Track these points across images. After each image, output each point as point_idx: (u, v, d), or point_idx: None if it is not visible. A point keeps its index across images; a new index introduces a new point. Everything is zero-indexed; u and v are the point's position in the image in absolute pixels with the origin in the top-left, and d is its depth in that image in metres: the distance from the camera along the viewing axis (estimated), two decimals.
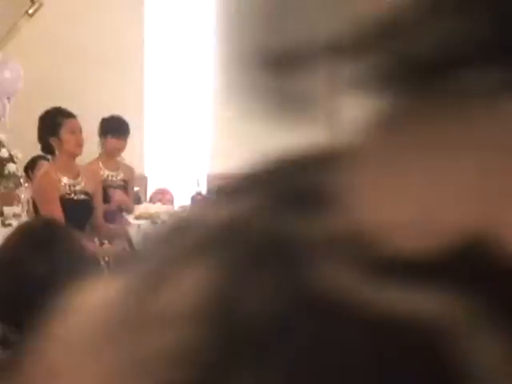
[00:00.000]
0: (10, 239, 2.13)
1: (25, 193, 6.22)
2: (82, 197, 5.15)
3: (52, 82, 8.07)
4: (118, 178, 6.14)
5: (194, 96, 8.77)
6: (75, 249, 2.11)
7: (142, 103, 8.61)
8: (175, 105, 8.70)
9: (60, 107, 5.23)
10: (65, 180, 5.10)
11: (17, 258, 2.05)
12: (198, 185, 7.31)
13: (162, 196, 7.33)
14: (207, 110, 8.74)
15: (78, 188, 5.14)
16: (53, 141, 5.11)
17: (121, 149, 6.18)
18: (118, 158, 6.20)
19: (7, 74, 7.57)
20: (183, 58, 8.74)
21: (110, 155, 6.14)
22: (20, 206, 6.14)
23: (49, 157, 6.94)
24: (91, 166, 6.04)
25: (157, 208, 6.49)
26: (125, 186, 6.18)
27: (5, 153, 7.06)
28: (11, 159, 6.80)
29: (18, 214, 5.98)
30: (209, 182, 8.18)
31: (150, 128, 8.57)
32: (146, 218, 6.09)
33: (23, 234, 2.15)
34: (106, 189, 5.95)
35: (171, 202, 7.78)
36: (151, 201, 6.59)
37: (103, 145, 6.16)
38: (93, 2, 8.39)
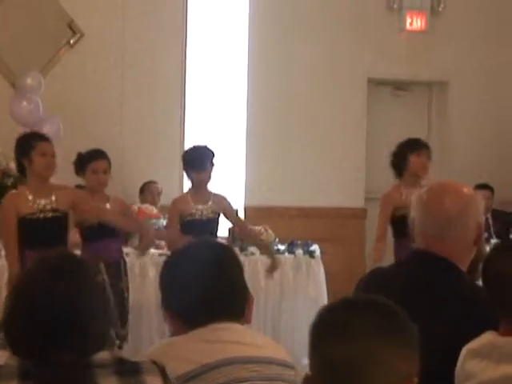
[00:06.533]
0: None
1: None
2: (50, 214, 5.17)
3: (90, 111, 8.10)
4: (210, 210, 5.94)
5: (232, 123, 8.76)
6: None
7: (182, 132, 8.60)
8: (213, 134, 8.68)
9: (36, 132, 5.31)
10: (36, 201, 5.14)
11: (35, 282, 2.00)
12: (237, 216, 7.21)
13: None
14: (245, 140, 8.70)
15: (48, 207, 5.17)
16: (24, 162, 5.20)
17: (204, 180, 5.92)
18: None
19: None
20: (220, 91, 8.73)
21: (196, 188, 5.95)
22: None
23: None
24: (178, 199, 5.97)
25: None
26: (216, 218, 5.99)
27: None
28: None
29: None
30: (246, 214, 8.12)
31: None
32: None
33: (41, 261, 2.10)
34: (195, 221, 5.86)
35: None
36: None
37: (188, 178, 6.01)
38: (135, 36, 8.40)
